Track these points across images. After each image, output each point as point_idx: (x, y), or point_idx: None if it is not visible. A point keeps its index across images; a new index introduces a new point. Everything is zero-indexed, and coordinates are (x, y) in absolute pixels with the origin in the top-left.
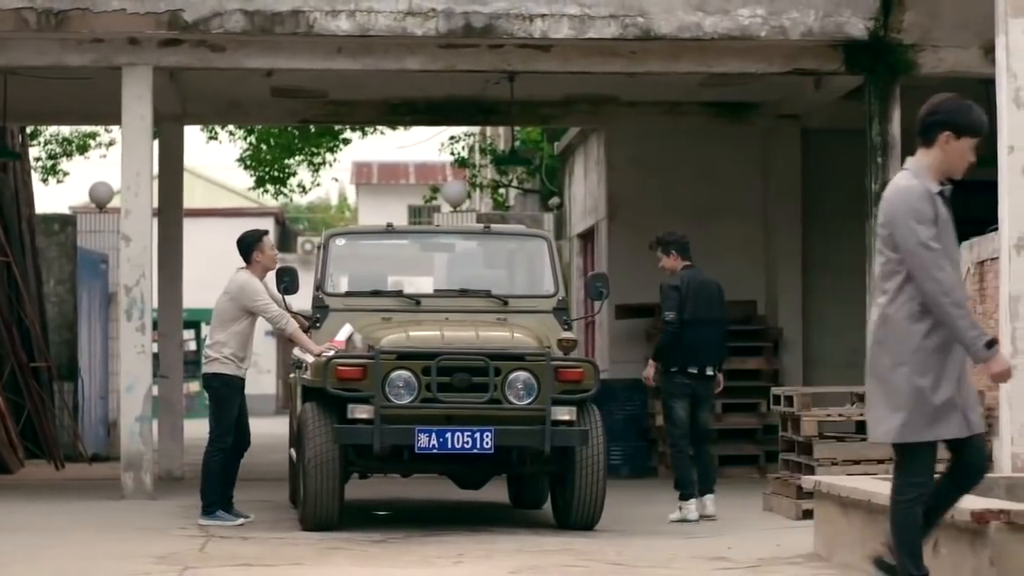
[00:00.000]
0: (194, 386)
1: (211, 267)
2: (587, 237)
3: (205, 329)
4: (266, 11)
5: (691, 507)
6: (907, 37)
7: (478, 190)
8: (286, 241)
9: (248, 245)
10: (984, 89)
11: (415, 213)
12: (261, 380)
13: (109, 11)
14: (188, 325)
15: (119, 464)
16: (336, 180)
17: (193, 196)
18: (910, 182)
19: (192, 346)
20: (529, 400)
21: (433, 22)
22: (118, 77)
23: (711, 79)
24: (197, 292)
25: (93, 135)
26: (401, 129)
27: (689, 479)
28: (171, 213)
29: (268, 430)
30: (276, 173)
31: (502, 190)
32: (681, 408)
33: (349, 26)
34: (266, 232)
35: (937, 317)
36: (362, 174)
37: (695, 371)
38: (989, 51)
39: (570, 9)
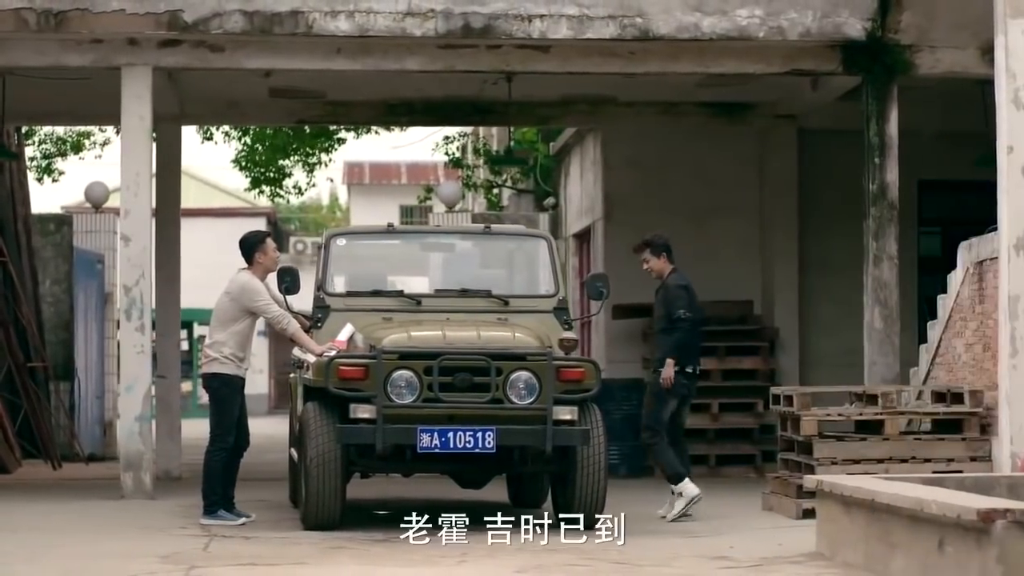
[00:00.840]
0: (186, 386)
1: (204, 267)
2: (583, 237)
3: (197, 329)
4: (265, 11)
5: (688, 485)
6: (904, 38)
7: (472, 190)
8: (278, 241)
9: (251, 246)
10: (981, 90)
11: (407, 213)
12: (254, 380)
13: (108, 11)
14: (181, 325)
15: (116, 464)
16: (331, 181)
17: (186, 196)
18: None
19: (185, 346)
20: (531, 400)
21: (432, 23)
22: (117, 77)
23: (709, 79)
24: (190, 292)
25: (88, 134)
26: (397, 130)
27: (677, 463)
28: (168, 213)
29: (262, 430)
30: (271, 174)
31: (496, 190)
32: (672, 406)
33: (348, 27)
34: (269, 233)
35: None
36: (354, 174)
37: (690, 370)
38: (986, 52)
39: (569, 10)
